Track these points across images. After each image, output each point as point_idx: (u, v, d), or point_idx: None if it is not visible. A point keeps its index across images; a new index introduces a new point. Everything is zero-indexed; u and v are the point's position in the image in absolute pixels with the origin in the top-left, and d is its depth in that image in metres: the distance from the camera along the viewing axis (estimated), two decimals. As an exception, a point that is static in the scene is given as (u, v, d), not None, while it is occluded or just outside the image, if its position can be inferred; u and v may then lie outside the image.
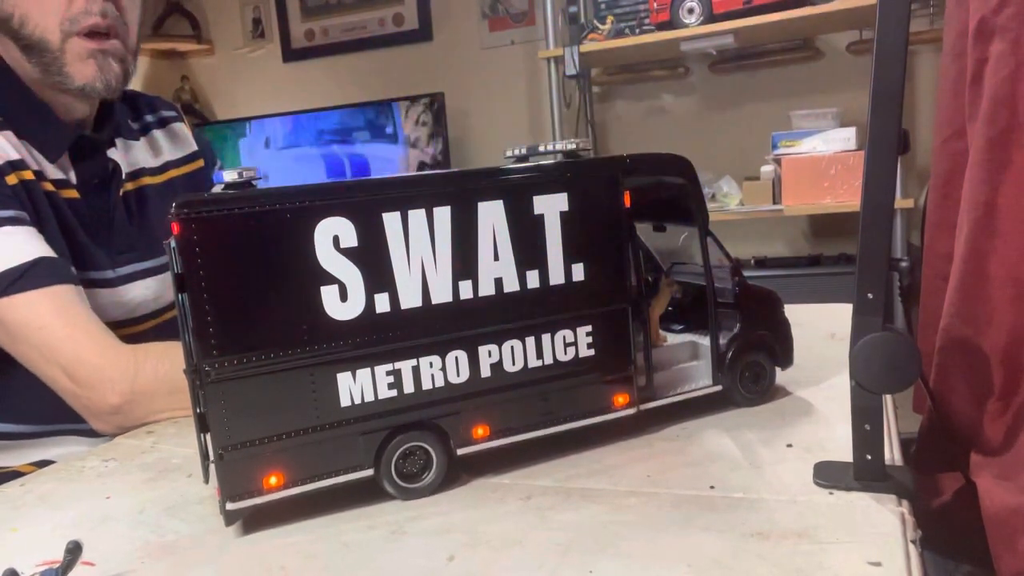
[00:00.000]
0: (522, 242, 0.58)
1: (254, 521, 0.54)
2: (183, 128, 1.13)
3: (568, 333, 0.60)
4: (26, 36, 0.88)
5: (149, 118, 1.10)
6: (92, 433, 0.90)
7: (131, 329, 0.99)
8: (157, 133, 1.10)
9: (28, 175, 0.88)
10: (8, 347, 0.85)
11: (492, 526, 0.51)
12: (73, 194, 0.94)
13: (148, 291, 1.00)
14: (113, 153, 1.00)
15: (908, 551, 0.44)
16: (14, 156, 0.87)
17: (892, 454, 0.55)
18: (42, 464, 0.91)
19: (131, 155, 1.04)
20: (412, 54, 3.07)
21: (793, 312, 0.71)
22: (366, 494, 0.56)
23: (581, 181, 0.59)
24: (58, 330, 0.82)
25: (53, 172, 0.92)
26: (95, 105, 0.99)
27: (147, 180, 1.04)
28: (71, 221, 0.92)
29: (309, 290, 0.52)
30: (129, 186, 1.01)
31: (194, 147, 1.13)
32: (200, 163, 1.13)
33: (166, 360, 0.82)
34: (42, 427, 0.93)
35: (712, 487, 0.54)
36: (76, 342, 0.82)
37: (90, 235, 0.94)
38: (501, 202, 0.57)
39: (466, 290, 0.56)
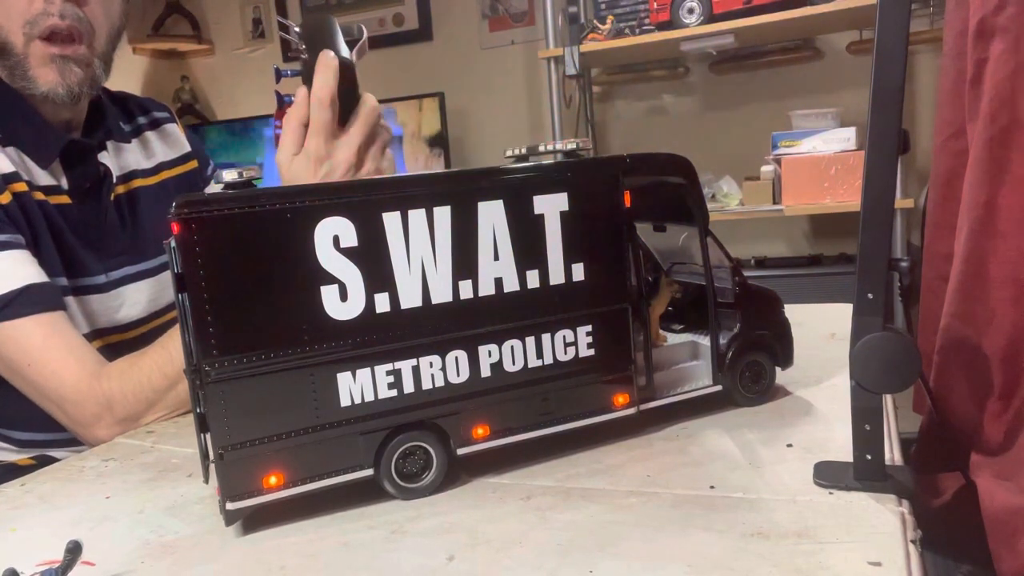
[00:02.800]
0: (522, 242, 0.58)
1: (254, 521, 0.54)
2: (176, 129, 1.13)
3: (568, 333, 0.60)
4: None
5: (141, 120, 1.09)
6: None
7: (125, 335, 0.99)
8: (149, 134, 1.09)
9: (21, 187, 0.88)
10: (7, 376, 0.86)
11: (492, 526, 0.51)
12: (64, 200, 0.93)
13: (140, 295, 1.00)
14: (104, 157, 1.00)
15: (908, 551, 0.44)
16: (7, 169, 0.87)
17: (892, 454, 0.55)
18: (42, 459, 0.92)
19: (122, 158, 1.03)
20: (412, 54, 3.07)
21: (793, 312, 0.71)
22: (366, 494, 0.56)
23: (581, 181, 0.59)
24: (43, 367, 0.82)
25: (44, 179, 0.92)
26: (83, 108, 0.98)
27: (139, 182, 1.04)
28: (62, 228, 0.92)
29: (309, 290, 0.52)
30: (120, 189, 1.01)
31: (187, 148, 1.13)
32: (194, 163, 1.12)
33: (129, 380, 0.81)
34: (43, 435, 0.93)
35: (712, 487, 0.54)
36: (59, 380, 0.82)
37: (82, 241, 0.94)
38: (501, 202, 0.57)
39: (466, 290, 0.56)
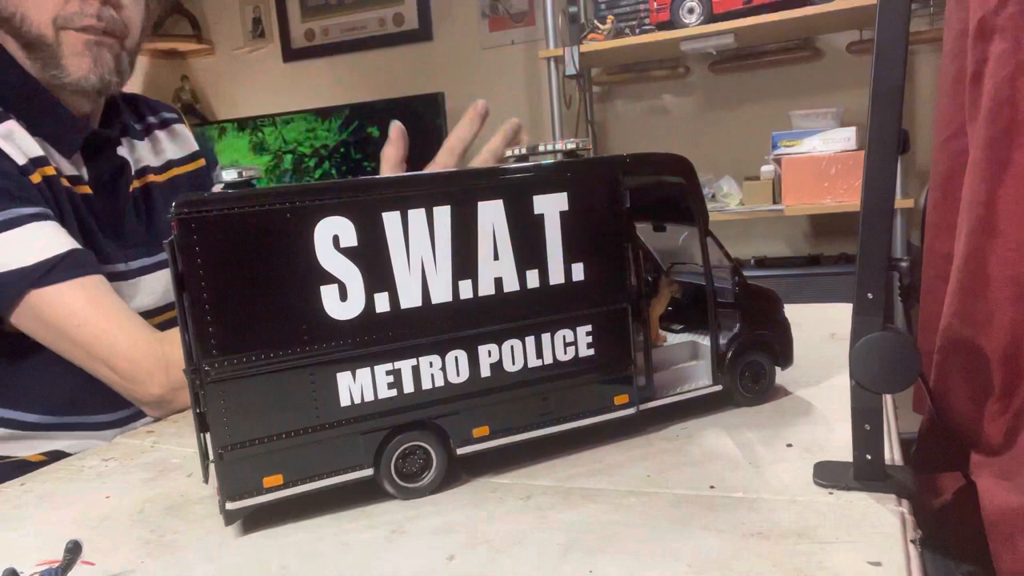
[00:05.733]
0: (522, 242, 0.58)
1: (254, 521, 0.54)
2: (184, 129, 1.17)
3: (568, 333, 0.60)
4: (26, 34, 0.90)
5: (151, 119, 1.13)
6: (101, 427, 0.91)
7: (150, 321, 1.00)
8: (159, 133, 1.12)
9: (50, 171, 0.90)
10: (48, 342, 0.86)
11: (492, 526, 0.51)
12: (86, 190, 0.96)
13: (157, 284, 1.02)
14: (121, 151, 1.03)
15: (908, 551, 0.44)
16: (37, 153, 0.89)
17: (892, 454, 0.55)
18: (53, 455, 0.92)
19: (136, 154, 1.06)
20: (412, 54, 3.07)
21: (793, 312, 0.71)
22: (366, 494, 0.56)
23: (581, 181, 0.59)
24: (95, 325, 0.83)
25: (68, 168, 0.94)
26: (100, 103, 1.01)
27: (151, 178, 1.07)
28: (86, 217, 0.94)
29: (309, 290, 0.52)
30: (136, 183, 1.04)
31: (195, 147, 1.16)
32: (202, 162, 1.15)
33: None
34: (52, 418, 0.94)
35: (712, 487, 0.54)
36: (113, 337, 0.83)
37: (103, 230, 0.96)
38: (501, 201, 0.57)
39: (466, 290, 0.56)
